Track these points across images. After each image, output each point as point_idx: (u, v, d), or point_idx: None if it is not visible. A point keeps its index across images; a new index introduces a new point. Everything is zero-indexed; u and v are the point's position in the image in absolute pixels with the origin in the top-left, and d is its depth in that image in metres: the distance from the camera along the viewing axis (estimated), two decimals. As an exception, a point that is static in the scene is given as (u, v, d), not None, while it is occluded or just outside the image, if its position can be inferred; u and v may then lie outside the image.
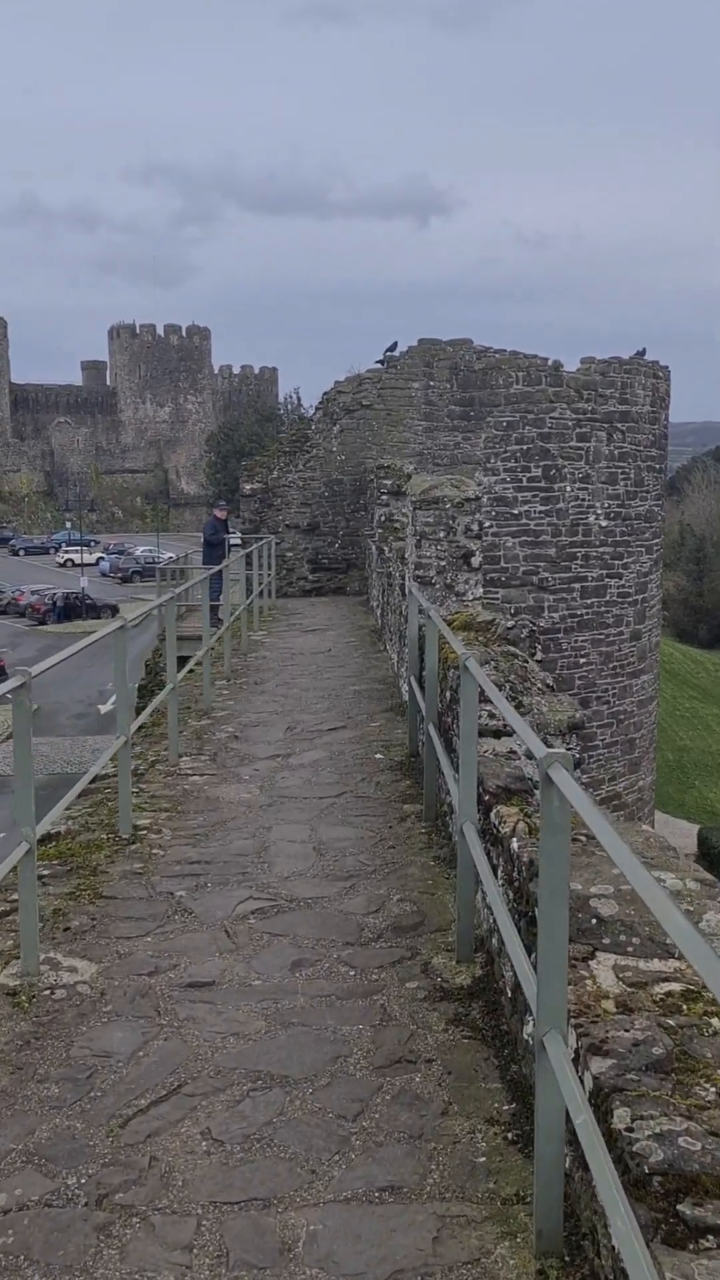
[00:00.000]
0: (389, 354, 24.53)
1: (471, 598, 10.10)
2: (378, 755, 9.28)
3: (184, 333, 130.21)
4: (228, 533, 22.42)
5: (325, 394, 24.67)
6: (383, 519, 17.91)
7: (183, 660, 19.45)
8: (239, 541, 24.05)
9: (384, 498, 18.78)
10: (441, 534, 9.99)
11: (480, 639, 7.84)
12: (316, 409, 24.82)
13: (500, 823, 4.80)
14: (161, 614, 23.83)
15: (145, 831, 7.17)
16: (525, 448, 24.46)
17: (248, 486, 24.27)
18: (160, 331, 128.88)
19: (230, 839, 7.03)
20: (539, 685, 6.75)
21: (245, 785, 8.45)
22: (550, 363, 24.76)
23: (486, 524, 24.05)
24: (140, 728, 9.58)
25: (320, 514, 24.25)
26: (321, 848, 6.81)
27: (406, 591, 11.01)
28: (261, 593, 20.31)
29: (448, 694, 6.95)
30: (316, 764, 9.08)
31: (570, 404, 24.70)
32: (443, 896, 5.90)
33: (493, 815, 5.00)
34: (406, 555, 11.06)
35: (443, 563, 10.04)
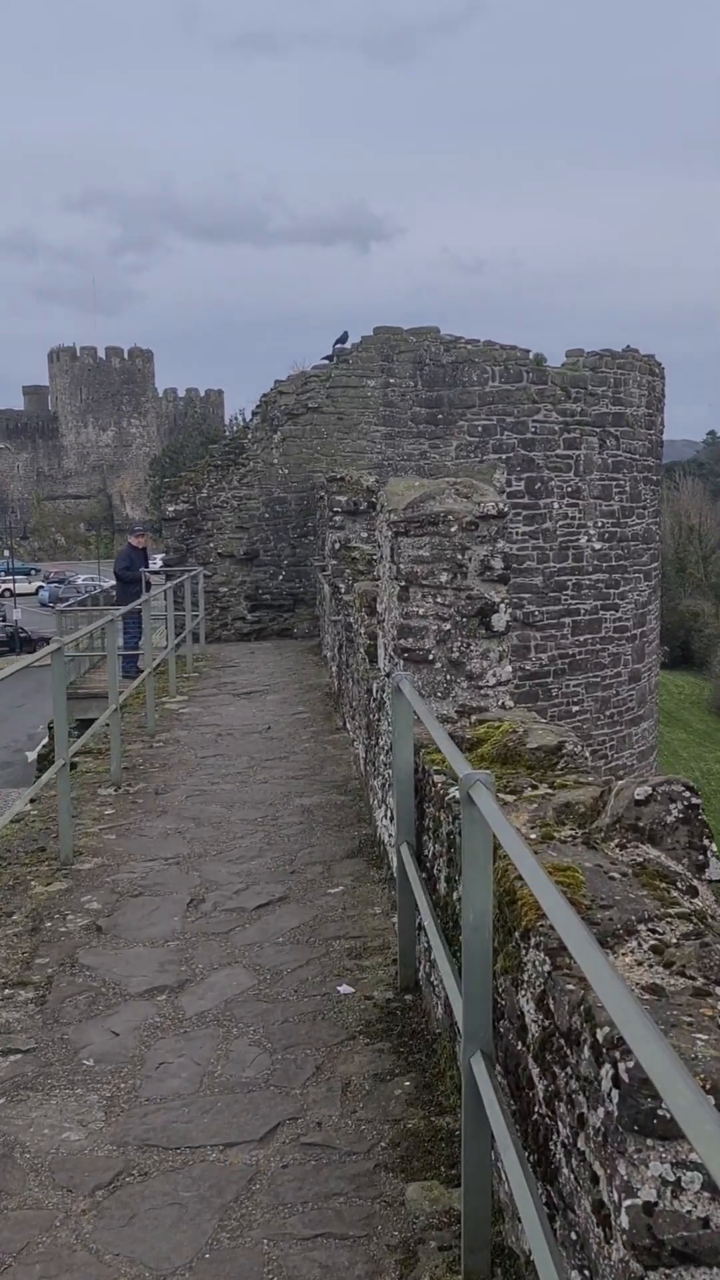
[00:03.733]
0: (339, 346, 20.47)
1: (495, 682, 5.99)
2: (343, 988, 5.07)
3: (126, 355, 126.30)
4: (146, 565, 18.20)
5: (264, 396, 20.52)
6: (336, 546, 13.78)
7: (87, 725, 15.25)
8: (159, 570, 19.81)
9: (337, 518, 14.65)
10: (443, 576, 5.85)
11: (553, 811, 3.70)
12: (254, 414, 20.67)
13: None
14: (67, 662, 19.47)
15: None
16: (505, 457, 20.48)
17: (171, 508, 20.00)
18: (102, 354, 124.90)
19: None
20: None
21: (79, 1097, 4.19)
22: (531, 356, 20.84)
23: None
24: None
25: (260, 540, 20.05)
26: None
27: (383, 669, 6.84)
28: (184, 640, 16.06)
29: (524, 994, 2.78)
30: (230, 1013, 4.85)
31: (556, 404, 20.79)
32: None
33: None
34: (380, 609, 6.91)
35: (445, 625, 5.90)
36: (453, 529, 5.85)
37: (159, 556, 24.96)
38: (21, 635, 66.20)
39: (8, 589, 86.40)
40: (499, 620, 6.00)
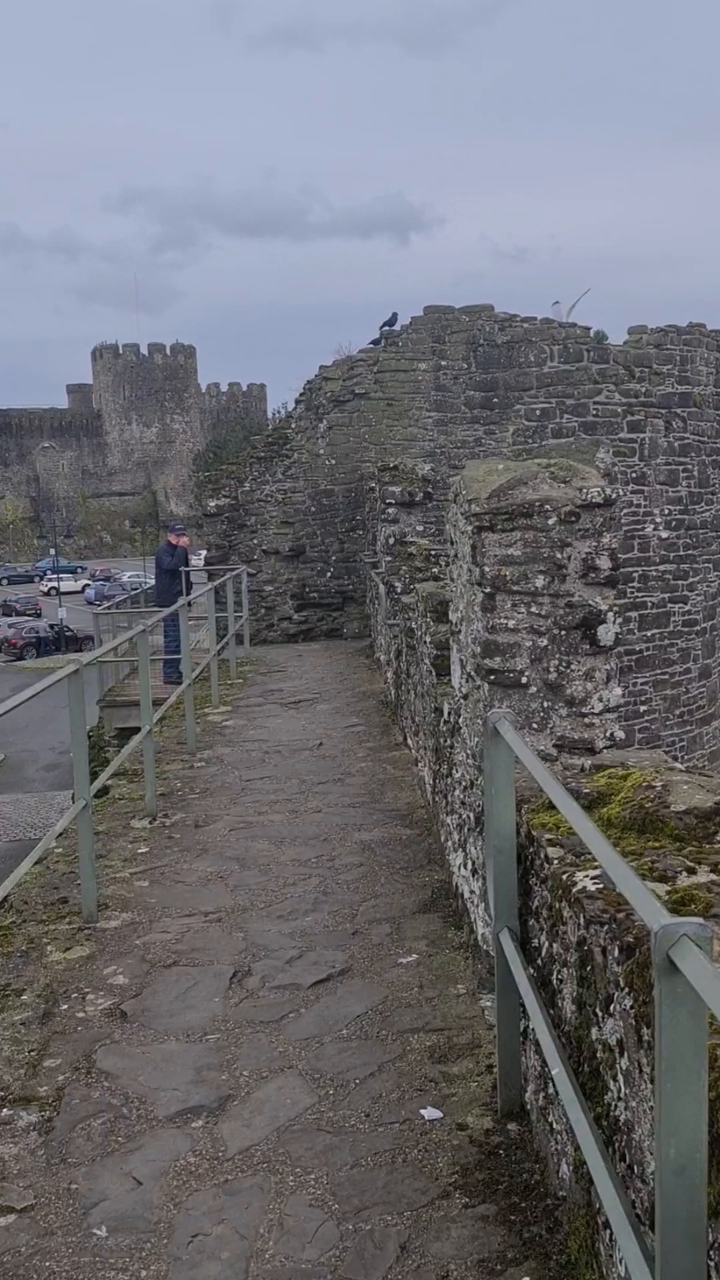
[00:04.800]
0: (386, 328, 19.31)
1: (601, 708, 4.87)
2: (429, 1112, 3.97)
3: (168, 351, 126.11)
4: (187, 563, 17.18)
5: (308, 383, 19.44)
6: (391, 541, 12.67)
7: (126, 734, 14.35)
8: (202, 568, 18.83)
9: (390, 510, 13.54)
10: (538, 580, 4.73)
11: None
12: (298, 402, 19.61)
13: None
14: (101, 671, 18.52)
15: None
16: (564, 442, 19.23)
17: (212, 503, 18.99)
18: (144, 350, 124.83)
19: None
20: None
21: (85, 1293, 3.15)
22: (592, 333, 19.58)
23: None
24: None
25: (306, 535, 18.99)
26: None
27: (458, 687, 5.72)
28: (227, 644, 15.05)
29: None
30: (284, 1150, 3.78)
31: (619, 385, 19.50)
32: None
33: None
34: (454, 618, 5.78)
35: (541, 639, 4.78)
36: (550, 521, 4.72)
37: (200, 553, 24.06)
38: (67, 635, 65.91)
39: (53, 587, 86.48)
40: (606, 633, 4.88)
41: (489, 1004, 4.87)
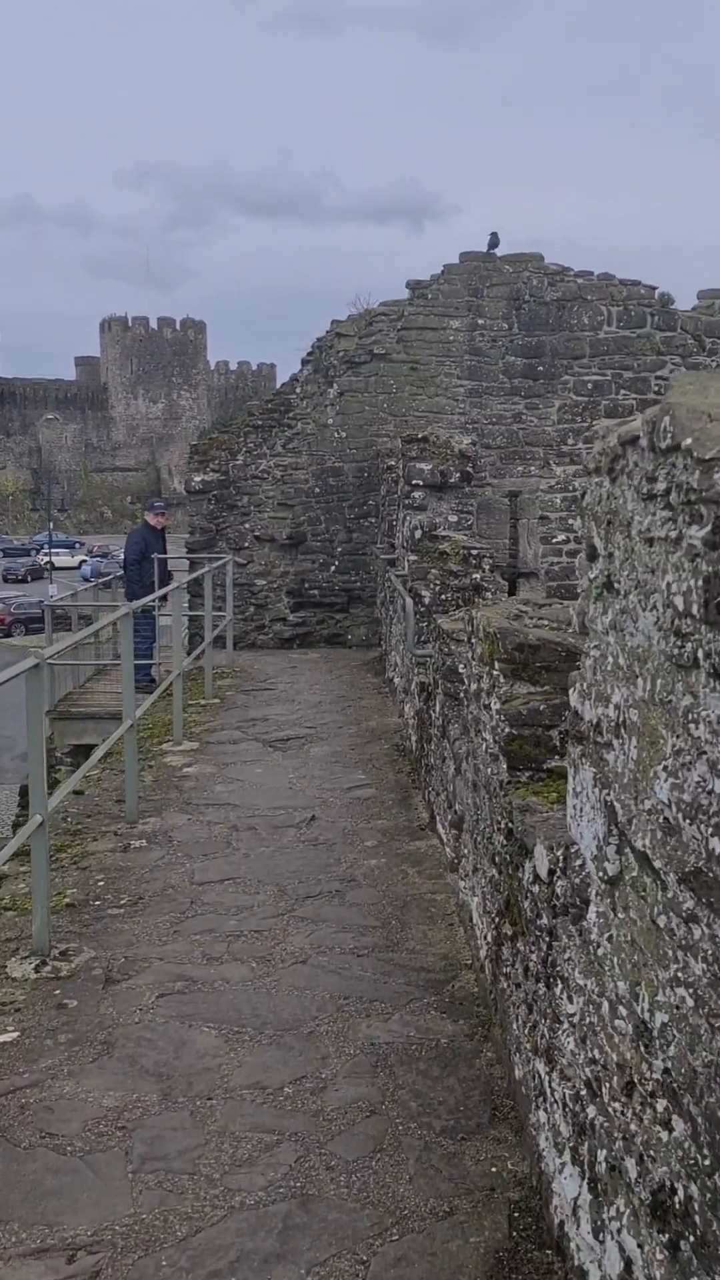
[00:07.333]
0: (490, 248, 16.33)
1: None
2: None
3: (178, 326, 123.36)
4: (164, 549, 14.20)
5: (318, 341, 16.40)
6: (416, 534, 9.67)
7: (82, 752, 11.88)
8: (185, 556, 15.82)
9: (417, 494, 10.52)
10: None
11: None
12: (304, 363, 16.56)
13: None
14: (53, 675, 15.58)
15: None
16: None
17: (198, 478, 15.96)
18: (154, 324, 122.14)
19: None
20: None
21: None
22: (657, 295, 16.53)
23: (560, 537, 15.88)
24: None
25: (308, 520, 15.97)
26: None
27: (594, 857, 2.72)
28: (203, 652, 12.06)
29: None
30: None
31: (686, 356, 16.47)
32: None
33: None
34: (593, 716, 2.79)
35: None
36: None
37: (184, 540, 21.12)
38: (57, 612, 63.03)
39: (49, 562, 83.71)
40: None
41: None
